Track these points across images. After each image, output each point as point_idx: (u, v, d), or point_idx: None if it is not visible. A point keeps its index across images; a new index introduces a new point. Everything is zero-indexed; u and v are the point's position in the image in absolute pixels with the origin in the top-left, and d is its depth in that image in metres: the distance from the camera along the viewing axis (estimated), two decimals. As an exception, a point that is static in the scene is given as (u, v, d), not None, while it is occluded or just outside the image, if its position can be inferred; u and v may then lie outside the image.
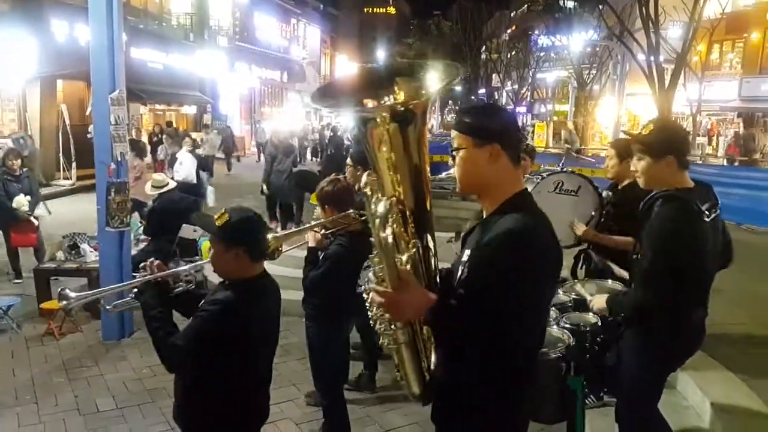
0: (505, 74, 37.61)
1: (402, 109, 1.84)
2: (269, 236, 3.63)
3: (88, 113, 14.34)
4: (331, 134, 22.45)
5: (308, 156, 26.16)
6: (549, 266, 1.88)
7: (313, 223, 3.76)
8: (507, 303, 1.74)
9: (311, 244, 3.60)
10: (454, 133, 1.95)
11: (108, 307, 2.77)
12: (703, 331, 2.88)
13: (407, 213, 1.88)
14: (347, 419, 3.84)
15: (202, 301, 2.50)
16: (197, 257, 6.70)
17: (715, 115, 29.17)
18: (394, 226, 1.76)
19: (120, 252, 5.71)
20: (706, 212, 2.67)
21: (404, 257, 1.79)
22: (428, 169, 1.97)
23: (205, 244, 6.46)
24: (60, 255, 6.67)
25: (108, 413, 4.37)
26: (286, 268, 5.52)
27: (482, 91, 43.90)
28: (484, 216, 1.96)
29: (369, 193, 1.82)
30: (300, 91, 40.09)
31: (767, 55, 25.55)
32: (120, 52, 5.56)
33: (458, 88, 48.13)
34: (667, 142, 2.73)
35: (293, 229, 3.84)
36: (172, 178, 8.31)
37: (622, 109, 26.10)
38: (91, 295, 2.68)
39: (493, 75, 38.33)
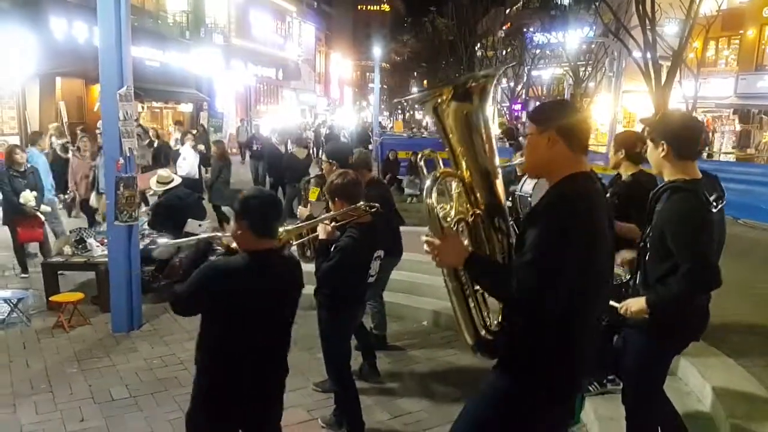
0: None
1: (460, 88, 2.24)
2: (280, 229, 3.76)
3: (96, 109, 14.38)
4: (328, 131, 22.52)
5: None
6: (597, 235, 2.06)
7: (323, 216, 3.86)
8: (546, 262, 1.95)
9: (322, 236, 3.69)
10: (527, 122, 2.27)
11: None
12: (708, 313, 2.98)
13: (470, 189, 2.31)
14: (359, 405, 3.93)
15: None
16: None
17: (710, 111, 29.32)
18: (456, 194, 2.32)
19: (128, 245, 5.79)
20: (714, 203, 2.76)
21: (454, 219, 2.28)
22: (494, 151, 2.33)
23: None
24: (67, 249, 6.75)
25: (122, 401, 4.47)
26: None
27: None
28: None
29: (422, 165, 2.37)
30: (295, 89, 40.10)
31: (763, 52, 25.68)
32: (127, 48, 5.65)
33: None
34: (662, 129, 2.85)
35: (305, 222, 3.92)
36: (175, 173, 8.40)
37: (618, 106, 26.22)
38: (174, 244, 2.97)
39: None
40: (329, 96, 51.20)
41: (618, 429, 3.29)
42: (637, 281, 3.01)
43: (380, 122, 25.34)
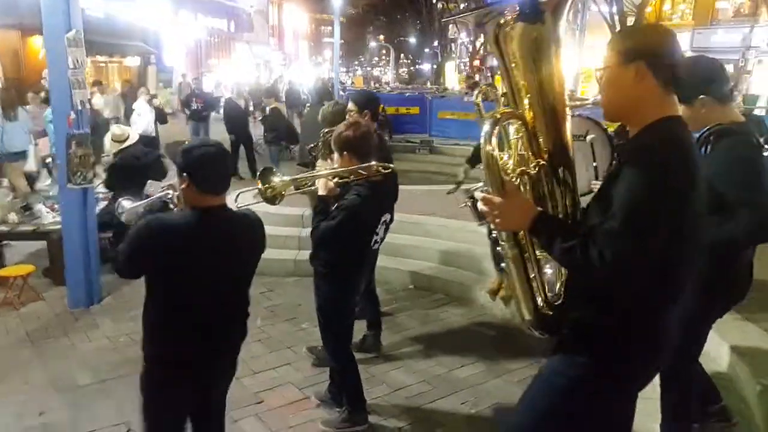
0: (461, 25, 36.99)
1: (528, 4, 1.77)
2: (275, 179, 3.26)
3: (41, 56, 13.21)
4: (288, 87, 21.60)
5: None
6: (697, 196, 1.69)
7: (325, 170, 3.37)
8: (639, 226, 1.59)
9: (322, 192, 3.22)
10: (605, 51, 1.84)
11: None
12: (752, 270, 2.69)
13: (533, 134, 1.90)
14: (360, 382, 3.56)
15: None
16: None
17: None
18: (515, 141, 1.92)
19: (84, 211, 5.21)
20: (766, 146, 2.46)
21: (517, 171, 1.90)
22: (563, 86, 1.92)
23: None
24: (12, 217, 6.06)
25: (87, 388, 3.97)
26: (272, 227, 5.15)
27: (436, 43, 43.24)
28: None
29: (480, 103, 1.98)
30: (248, 42, 38.63)
31: (718, 7, 25.86)
32: (73, -14, 4.92)
33: (412, 40, 47.33)
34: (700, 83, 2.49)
35: (304, 174, 3.42)
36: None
37: (583, 59, 26.09)
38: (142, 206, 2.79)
39: (450, 26, 37.76)
40: (284, 50, 49.58)
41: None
42: None
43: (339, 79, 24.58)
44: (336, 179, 3.21)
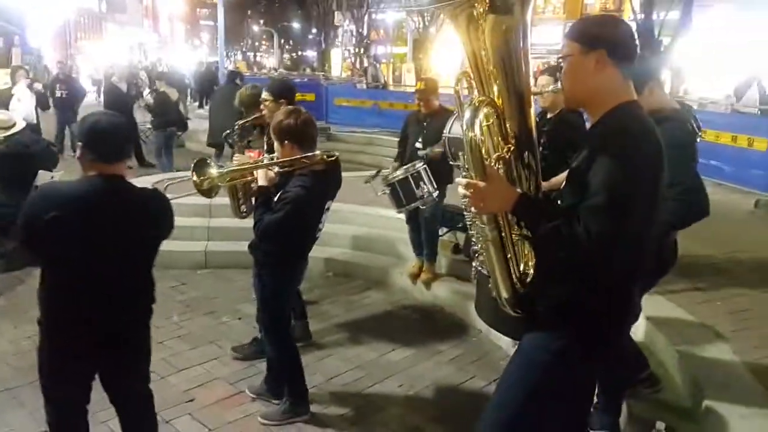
0: (345, 12, 36.92)
1: None
2: (213, 171, 3.14)
3: None
4: (167, 71, 20.55)
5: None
6: (661, 178, 1.81)
7: (266, 160, 3.27)
8: (619, 205, 1.70)
9: (262, 182, 3.13)
10: (563, 41, 1.93)
11: None
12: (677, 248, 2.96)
13: (503, 120, 1.94)
14: (302, 371, 3.52)
15: None
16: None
17: (541, 57, 31.25)
18: (486, 127, 1.92)
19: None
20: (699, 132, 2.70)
21: (494, 157, 1.93)
22: (530, 72, 1.96)
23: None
24: None
25: (-4, 397, 3.62)
26: (180, 218, 4.92)
27: (319, 29, 42.89)
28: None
29: (459, 90, 1.99)
30: (121, 23, 36.40)
31: (586, 2, 27.75)
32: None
33: (295, 26, 46.60)
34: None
35: (241, 165, 3.30)
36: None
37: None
38: None
39: (335, 13, 37.58)
40: (159, 32, 47.09)
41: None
42: None
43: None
44: (277, 169, 3.14)
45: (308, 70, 35.94)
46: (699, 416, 3.08)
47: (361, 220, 6.33)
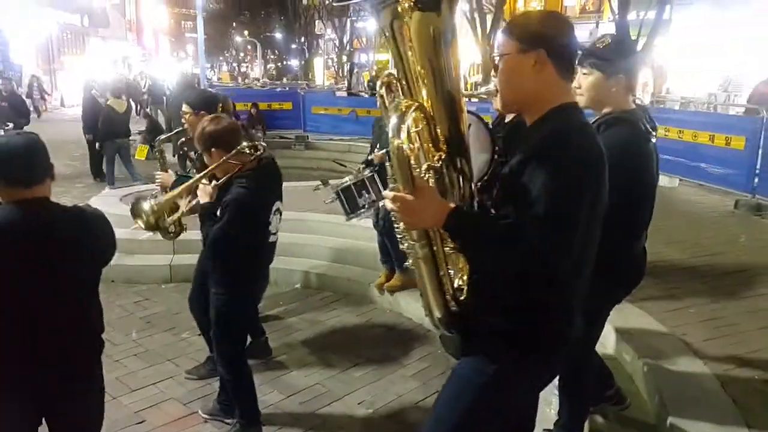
0: (327, 21, 36.95)
1: None
2: (146, 205, 3.02)
3: None
4: (150, 83, 20.40)
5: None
6: (604, 180, 1.69)
7: (197, 175, 3.13)
8: (564, 214, 1.58)
9: (203, 200, 2.99)
10: (500, 38, 1.81)
11: None
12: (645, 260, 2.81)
13: (433, 125, 1.78)
14: (254, 392, 3.36)
15: None
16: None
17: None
18: (414, 134, 1.74)
19: None
20: (653, 133, 2.57)
21: (423, 167, 1.76)
22: (459, 74, 1.82)
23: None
24: None
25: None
26: (145, 232, 4.76)
27: (303, 39, 42.91)
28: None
29: (384, 94, 1.82)
30: (104, 38, 36.25)
31: (565, 4, 27.85)
32: None
33: (278, 35, 46.56)
34: (623, 60, 2.54)
35: (176, 189, 3.15)
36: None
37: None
38: None
39: (316, 22, 37.64)
40: (143, 45, 46.92)
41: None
42: None
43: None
44: (213, 182, 3.01)
45: (285, 80, 35.84)
46: (662, 434, 2.95)
47: (330, 230, 6.18)
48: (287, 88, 19.12)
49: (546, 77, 1.72)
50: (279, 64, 54.36)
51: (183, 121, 3.93)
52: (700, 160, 8.49)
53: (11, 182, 2.17)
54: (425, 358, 4.24)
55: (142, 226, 3.10)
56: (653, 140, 2.59)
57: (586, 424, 2.95)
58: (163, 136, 4.33)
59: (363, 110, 13.48)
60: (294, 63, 46.94)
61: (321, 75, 38.51)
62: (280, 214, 3.34)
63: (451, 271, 1.89)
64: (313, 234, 6.16)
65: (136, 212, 3.09)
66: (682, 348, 3.64)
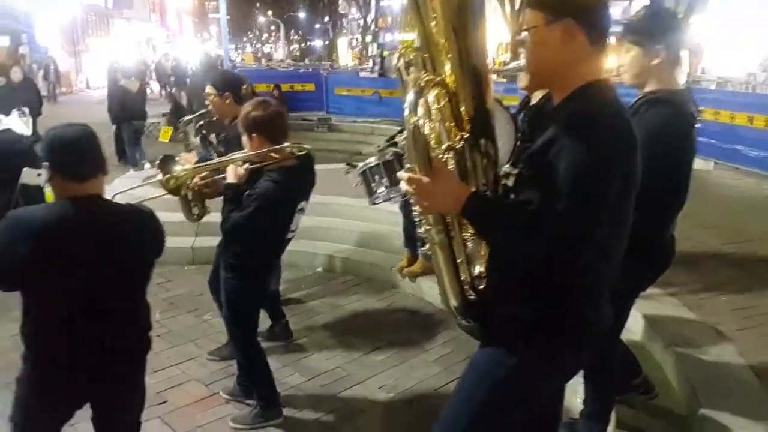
0: (350, 0, 36.64)
1: None
2: (178, 168, 2.98)
3: None
4: (174, 64, 20.51)
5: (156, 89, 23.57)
6: (637, 167, 1.60)
7: (234, 155, 3.09)
8: (588, 205, 1.48)
9: (231, 179, 2.95)
10: (526, 11, 1.65)
11: None
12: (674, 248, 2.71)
13: (456, 102, 1.68)
14: (270, 375, 3.34)
15: None
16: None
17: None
18: (435, 111, 1.68)
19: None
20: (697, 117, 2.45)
21: (444, 147, 1.70)
22: (486, 48, 1.72)
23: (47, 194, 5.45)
24: None
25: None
26: (166, 213, 4.75)
27: (326, 18, 42.69)
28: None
29: (402, 68, 1.74)
30: (128, 19, 36.43)
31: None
32: None
33: (302, 15, 46.37)
34: (661, 31, 2.40)
35: (211, 161, 3.12)
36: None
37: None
38: None
39: (340, 1, 37.31)
40: (167, 27, 47.09)
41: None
42: None
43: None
44: (246, 165, 2.95)
45: (307, 61, 35.68)
46: (693, 426, 2.85)
47: (354, 213, 6.12)
48: (310, 69, 19.02)
49: (575, 49, 1.60)
50: (303, 44, 54.23)
51: (207, 102, 3.90)
52: (737, 143, 8.22)
53: (65, 176, 2.15)
54: (448, 343, 4.17)
55: (161, 181, 3.05)
56: (697, 125, 2.46)
57: (613, 414, 2.87)
58: (187, 117, 4.31)
59: (386, 91, 13.35)
60: (317, 43, 46.76)
61: (345, 55, 38.28)
62: (303, 212, 3.28)
63: (470, 258, 1.82)
64: (337, 218, 6.11)
65: (165, 167, 3.03)
66: (715, 337, 3.52)
